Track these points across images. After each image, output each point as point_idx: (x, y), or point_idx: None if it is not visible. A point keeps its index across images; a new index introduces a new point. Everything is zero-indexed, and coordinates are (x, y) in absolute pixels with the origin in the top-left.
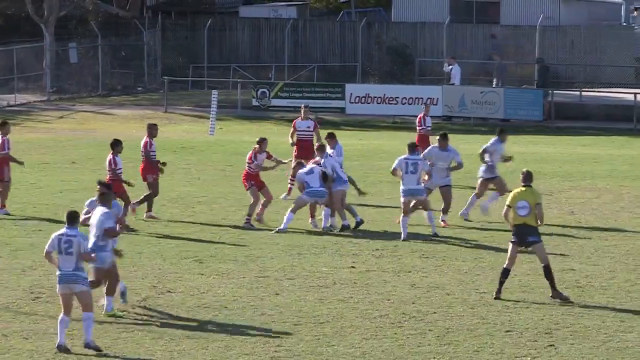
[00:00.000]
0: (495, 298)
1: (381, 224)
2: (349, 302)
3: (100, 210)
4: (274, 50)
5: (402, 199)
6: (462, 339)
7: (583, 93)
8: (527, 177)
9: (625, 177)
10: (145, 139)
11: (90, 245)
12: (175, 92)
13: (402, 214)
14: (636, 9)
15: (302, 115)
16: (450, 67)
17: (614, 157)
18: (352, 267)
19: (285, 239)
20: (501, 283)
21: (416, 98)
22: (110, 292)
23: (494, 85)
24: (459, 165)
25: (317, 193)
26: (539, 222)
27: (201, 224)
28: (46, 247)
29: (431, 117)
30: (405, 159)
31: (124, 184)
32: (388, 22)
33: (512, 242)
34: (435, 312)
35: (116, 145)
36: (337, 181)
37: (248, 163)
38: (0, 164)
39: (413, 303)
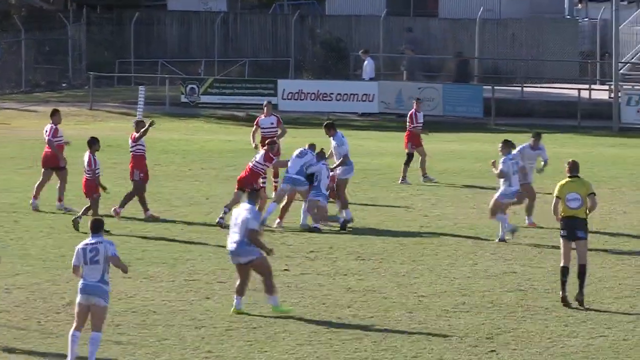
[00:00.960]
0: (563, 304)
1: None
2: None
3: (246, 207)
4: (203, 44)
5: (505, 200)
6: (399, 344)
7: (525, 89)
8: (574, 167)
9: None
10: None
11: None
12: (101, 89)
13: (500, 213)
14: (580, 1)
15: (265, 112)
16: (365, 61)
17: (557, 156)
18: (286, 270)
19: (215, 240)
20: (563, 283)
21: (351, 94)
22: (271, 291)
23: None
24: (546, 163)
25: (294, 181)
26: (588, 212)
27: (128, 225)
28: (73, 260)
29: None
30: (510, 159)
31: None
32: (322, 15)
33: (562, 236)
34: (372, 317)
35: (93, 143)
36: (315, 190)
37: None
38: (53, 153)
39: (349, 307)
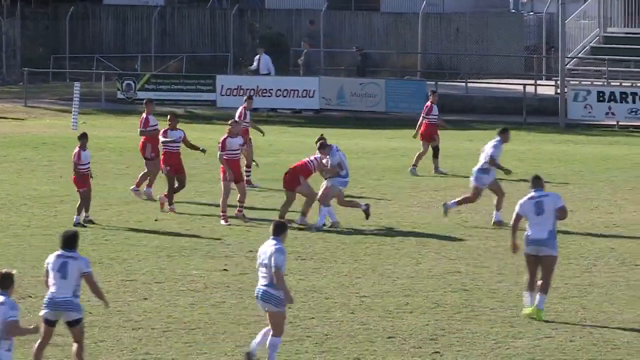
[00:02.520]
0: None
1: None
2: (221, 307)
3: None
4: (140, 39)
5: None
6: (341, 345)
7: (469, 84)
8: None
9: (514, 173)
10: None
11: None
12: (36, 85)
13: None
14: None
15: (247, 105)
16: (258, 56)
17: (503, 153)
18: (225, 270)
19: (153, 240)
20: None
21: (291, 90)
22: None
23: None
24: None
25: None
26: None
27: (63, 225)
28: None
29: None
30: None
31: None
32: (261, 9)
33: None
34: (313, 318)
35: (81, 138)
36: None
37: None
38: (143, 143)
39: (289, 308)
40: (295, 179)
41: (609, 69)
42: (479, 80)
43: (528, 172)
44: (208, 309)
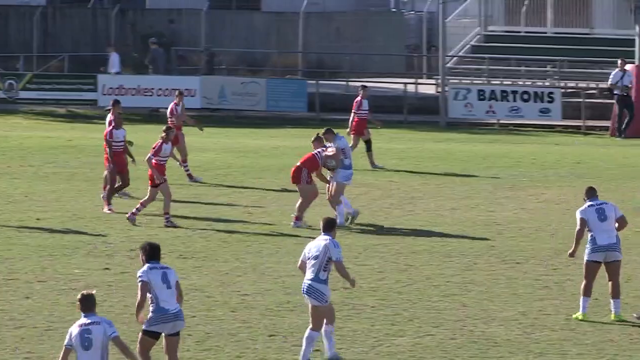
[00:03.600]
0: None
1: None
2: (102, 306)
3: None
4: (22, 39)
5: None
6: (222, 344)
7: (350, 83)
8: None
9: (395, 172)
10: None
11: None
12: None
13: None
14: None
15: (177, 101)
16: (109, 54)
17: (383, 151)
18: (107, 269)
19: (35, 239)
20: None
21: (172, 89)
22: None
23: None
24: None
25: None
26: None
27: None
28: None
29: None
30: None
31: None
32: (143, 9)
33: None
34: (194, 316)
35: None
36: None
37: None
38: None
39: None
40: (300, 173)
41: (490, 67)
42: (360, 79)
43: (409, 170)
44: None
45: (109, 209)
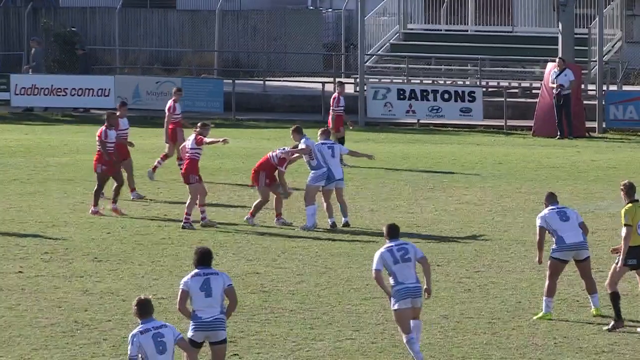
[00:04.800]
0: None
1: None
2: (16, 310)
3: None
4: None
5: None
6: None
7: (268, 83)
8: (634, 190)
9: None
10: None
11: None
12: None
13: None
14: None
15: (176, 98)
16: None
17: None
18: (20, 272)
19: None
20: (619, 309)
21: (86, 89)
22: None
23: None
24: None
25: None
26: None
27: None
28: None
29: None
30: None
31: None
32: (56, 7)
33: (629, 265)
34: (109, 320)
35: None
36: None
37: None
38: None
39: (86, 310)
40: (257, 176)
41: (410, 66)
42: (277, 79)
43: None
44: (3, 312)
45: (95, 211)
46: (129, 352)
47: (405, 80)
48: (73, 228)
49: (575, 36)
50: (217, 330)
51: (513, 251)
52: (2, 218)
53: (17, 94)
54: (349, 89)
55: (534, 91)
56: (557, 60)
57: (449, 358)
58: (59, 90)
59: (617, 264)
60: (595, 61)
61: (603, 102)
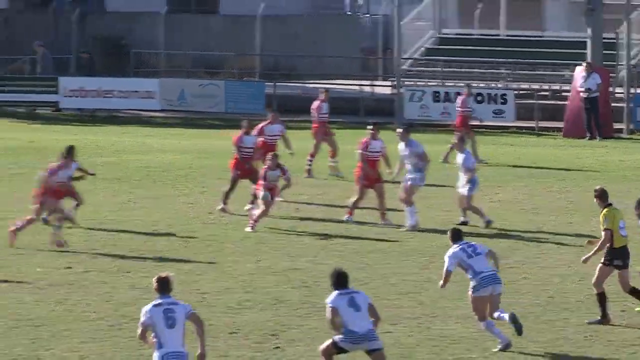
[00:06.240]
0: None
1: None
2: (65, 304)
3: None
4: None
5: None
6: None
7: (307, 85)
8: (606, 195)
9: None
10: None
11: None
12: None
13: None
14: None
15: (324, 98)
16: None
17: (347, 153)
18: (69, 267)
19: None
20: (605, 307)
21: (132, 91)
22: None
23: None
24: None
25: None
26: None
27: None
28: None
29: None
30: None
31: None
32: (103, 12)
33: (615, 266)
34: None
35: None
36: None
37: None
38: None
39: (133, 305)
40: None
41: (444, 69)
42: (316, 82)
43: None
44: (53, 306)
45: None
46: (140, 322)
47: (440, 83)
48: (120, 225)
49: (604, 40)
50: (374, 340)
51: (545, 248)
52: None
53: (66, 96)
54: (387, 91)
55: (563, 94)
56: (584, 64)
57: (484, 351)
58: (106, 92)
59: (603, 263)
60: (623, 65)
61: (631, 105)
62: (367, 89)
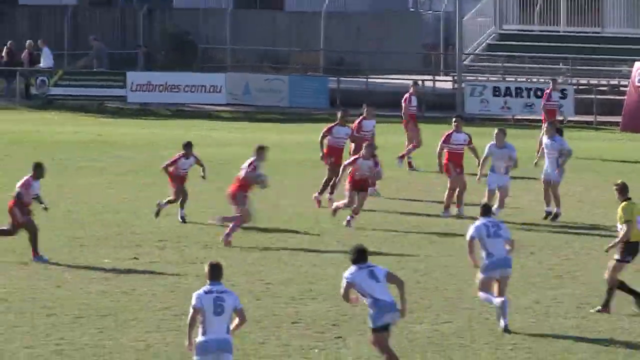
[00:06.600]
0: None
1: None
2: (132, 294)
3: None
4: (53, 37)
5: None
6: (248, 330)
7: (370, 80)
8: (627, 189)
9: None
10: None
11: None
12: None
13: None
14: None
15: (413, 91)
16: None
17: (401, 145)
18: (135, 258)
19: (66, 230)
20: (610, 296)
21: (199, 86)
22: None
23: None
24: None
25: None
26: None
27: None
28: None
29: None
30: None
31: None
32: (170, 8)
33: (627, 261)
34: None
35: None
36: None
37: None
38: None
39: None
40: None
41: (504, 64)
42: (379, 77)
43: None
44: (119, 296)
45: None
46: (191, 304)
47: (501, 78)
48: (186, 217)
49: None
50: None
51: (601, 240)
52: (118, 208)
53: (133, 91)
54: (448, 86)
55: (621, 89)
56: None
57: (540, 339)
58: (173, 87)
59: (617, 260)
60: None
61: None
62: (429, 84)
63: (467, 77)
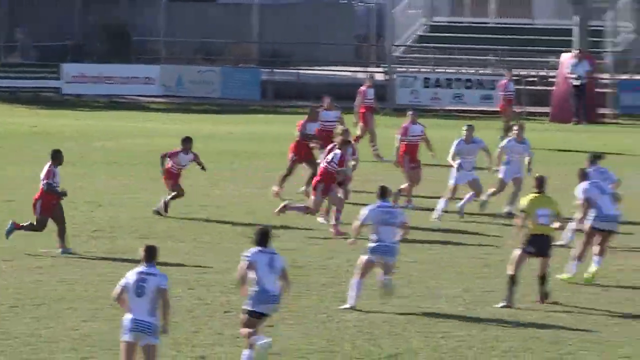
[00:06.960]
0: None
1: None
2: (67, 282)
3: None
4: None
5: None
6: (180, 319)
7: (302, 72)
8: (543, 183)
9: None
10: None
11: None
12: None
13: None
14: None
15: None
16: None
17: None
18: (69, 247)
19: (7, 220)
20: (513, 292)
21: (133, 77)
22: None
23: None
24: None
25: None
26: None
27: None
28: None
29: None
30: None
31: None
32: (105, 1)
33: (527, 252)
34: None
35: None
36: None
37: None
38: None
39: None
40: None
41: (435, 56)
42: (311, 68)
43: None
44: (55, 285)
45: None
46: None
47: (431, 70)
48: (119, 208)
49: (590, 28)
50: (276, 303)
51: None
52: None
53: (68, 82)
54: (380, 77)
55: (550, 80)
56: (575, 51)
57: (469, 327)
58: (107, 78)
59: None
60: (609, 52)
61: (615, 90)
62: (361, 75)
63: (398, 69)
